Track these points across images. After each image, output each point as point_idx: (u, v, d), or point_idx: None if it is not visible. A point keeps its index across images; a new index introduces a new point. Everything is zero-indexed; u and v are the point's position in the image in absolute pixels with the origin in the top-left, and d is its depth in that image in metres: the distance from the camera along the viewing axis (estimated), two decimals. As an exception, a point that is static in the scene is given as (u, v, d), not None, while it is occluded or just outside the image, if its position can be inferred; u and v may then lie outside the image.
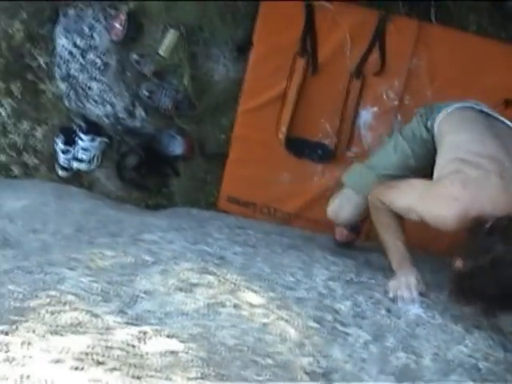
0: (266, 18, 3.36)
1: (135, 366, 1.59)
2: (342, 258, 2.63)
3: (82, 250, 2.58)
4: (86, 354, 1.60)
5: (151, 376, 1.56)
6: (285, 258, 2.52)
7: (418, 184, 2.39)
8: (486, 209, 2.13)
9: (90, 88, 3.57)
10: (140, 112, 3.59)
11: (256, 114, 3.47)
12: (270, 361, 1.79)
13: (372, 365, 1.99)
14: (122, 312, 1.98)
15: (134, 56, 3.50)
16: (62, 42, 3.57)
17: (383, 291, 2.37)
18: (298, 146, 3.47)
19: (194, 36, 3.44)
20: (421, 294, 2.35)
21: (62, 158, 3.74)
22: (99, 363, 1.58)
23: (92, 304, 2.01)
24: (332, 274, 2.44)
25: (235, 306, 2.04)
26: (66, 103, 3.66)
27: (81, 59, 3.53)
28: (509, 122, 2.53)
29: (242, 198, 3.56)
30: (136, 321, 1.91)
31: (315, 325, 2.08)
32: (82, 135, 3.66)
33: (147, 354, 1.65)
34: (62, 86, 3.63)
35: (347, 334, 2.08)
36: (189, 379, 1.58)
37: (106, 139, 3.70)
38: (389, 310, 2.25)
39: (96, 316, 1.88)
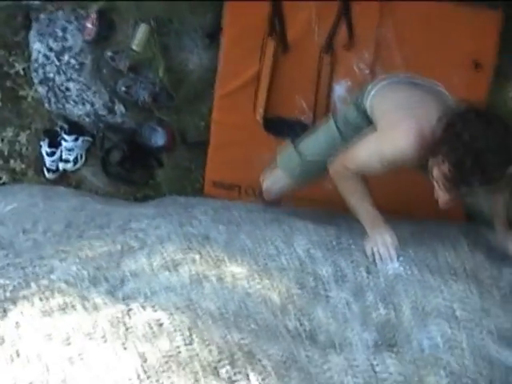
0: (233, 3, 3.41)
1: (121, 336, 1.67)
2: (323, 226, 2.68)
3: (71, 243, 2.65)
4: (74, 329, 1.67)
5: (137, 344, 1.63)
6: (267, 231, 2.57)
7: (370, 136, 2.48)
8: (433, 121, 2.25)
9: (68, 89, 3.63)
10: (119, 108, 3.65)
11: (232, 97, 3.52)
12: (253, 325, 1.87)
13: (355, 322, 2.07)
14: (110, 293, 2.06)
15: (108, 53, 3.56)
16: (37, 47, 3.62)
17: (363, 253, 2.43)
18: (276, 126, 3.52)
19: (164, 28, 3.50)
20: (398, 252, 2.41)
21: (48, 160, 3.81)
22: (87, 337, 1.65)
23: (81, 289, 2.09)
24: (313, 241, 2.49)
25: (218, 279, 2.11)
26: (47, 106, 3.71)
27: (56, 61, 3.59)
28: (440, 88, 2.64)
29: (227, 181, 3.62)
30: (124, 300, 1.98)
31: (298, 290, 2.15)
32: (65, 136, 3.72)
33: (133, 325, 1.73)
34: (41, 89, 3.69)
35: (329, 296, 2.15)
36: (172, 344, 1.66)
37: (89, 138, 3.76)
38: (368, 271, 2.32)
39: (84, 298, 1.95)
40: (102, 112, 3.59)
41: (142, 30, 3.43)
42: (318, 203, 3.32)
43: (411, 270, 2.32)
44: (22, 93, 3.74)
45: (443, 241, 2.61)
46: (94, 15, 3.42)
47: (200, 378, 1.54)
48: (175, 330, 1.72)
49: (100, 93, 3.57)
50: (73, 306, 1.83)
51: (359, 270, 2.30)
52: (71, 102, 3.60)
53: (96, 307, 1.84)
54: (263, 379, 1.58)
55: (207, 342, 1.67)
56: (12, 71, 3.72)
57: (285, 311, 1.98)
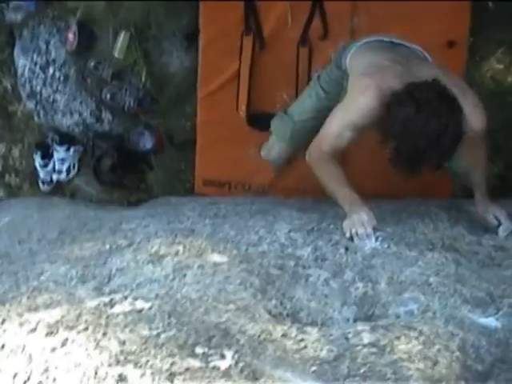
0: (208, 3, 3.49)
1: (102, 325, 1.75)
2: (307, 213, 2.75)
3: (64, 247, 2.73)
4: (58, 322, 1.75)
5: (117, 331, 1.71)
6: (250, 221, 2.64)
7: (335, 110, 2.58)
8: (393, 85, 2.35)
9: (55, 101, 3.72)
10: (107, 115, 3.73)
11: (215, 96, 3.60)
12: (231, 306, 1.94)
13: (334, 299, 2.13)
14: (97, 289, 2.13)
15: (92, 63, 3.65)
16: (22, 62, 3.72)
17: (341, 233, 2.49)
18: (260, 121, 3.58)
19: (143, 34, 3.58)
20: (375, 229, 2.48)
21: (42, 172, 3.89)
22: (70, 328, 1.73)
23: (69, 287, 2.16)
24: (294, 226, 2.56)
25: (200, 267, 2.18)
26: (37, 119, 3.81)
27: (42, 75, 3.68)
28: (415, 46, 2.75)
29: (216, 179, 3.69)
30: (109, 294, 2.05)
31: (277, 271, 2.21)
32: (57, 147, 3.81)
33: (114, 314, 1.80)
34: (30, 103, 3.78)
35: (308, 275, 2.21)
36: (151, 329, 1.73)
37: (79, 147, 3.85)
38: (347, 248, 2.38)
39: (71, 294, 2.03)
40: (90, 121, 3.68)
41: (122, 38, 3.52)
42: (306, 193, 3.37)
43: (389, 245, 2.38)
44: (11, 108, 3.84)
45: (423, 217, 2.67)
46: (74, 27, 3.50)
47: (176, 358, 1.60)
48: (155, 316, 1.78)
49: (86, 102, 3.66)
50: (58, 302, 1.91)
51: (338, 248, 2.36)
52: (60, 114, 3.69)
53: (81, 301, 1.91)
54: (238, 356, 1.64)
55: (185, 325, 1.74)
56: (0, 88, 3.78)
57: (265, 292, 2.04)
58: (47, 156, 3.82)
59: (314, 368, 1.64)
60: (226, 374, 1.57)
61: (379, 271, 2.20)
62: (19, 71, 3.74)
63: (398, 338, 1.76)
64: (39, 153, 3.82)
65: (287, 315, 2.05)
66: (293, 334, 1.80)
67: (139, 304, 1.86)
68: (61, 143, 3.77)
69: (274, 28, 3.50)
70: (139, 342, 1.66)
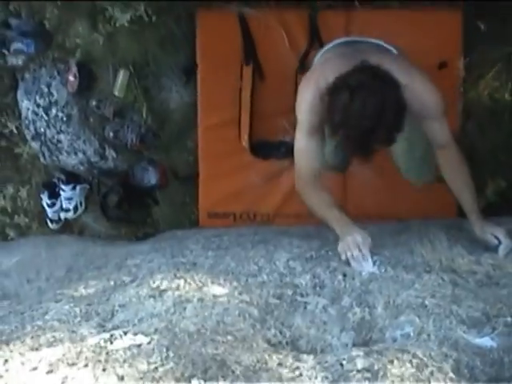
0: (204, 37, 3.58)
1: (102, 361, 1.79)
2: (308, 241, 2.77)
3: (70, 285, 2.77)
4: (59, 359, 1.79)
5: (116, 367, 1.75)
6: (251, 252, 2.67)
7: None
8: (329, 78, 2.40)
9: (59, 141, 3.80)
10: (110, 152, 3.80)
11: (216, 128, 3.66)
12: (229, 337, 1.97)
13: (333, 325, 2.16)
14: (99, 326, 2.17)
15: (93, 102, 3.73)
16: (25, 105, 3.81)
17: (340, 259, 2.51)
18: (263, 149, 3.65)
19: (142, 71, 3.66)
20: (373, 252, 2.49)
21: (50, 212, 3.96)
22: (71, 365, 1.77)
23: (72, 325, 2.20)
24: (293, 255, 2.59)
25: (199, 300, 2.21)
26: (42, 160, 3.89)
27: (45, 116, 3.77)
28: (378, 42, 2.86)
29: (221, 210, 3.74)
30: (110, 330, 2.09)
31: (276, 301, 2.25)
32: (63, 186, 3.88)
33: (113, 350, 1.84)
34: (35, 145, 3.86)
35: (306, 302, 2.25)
36: (150, 363, 1.77)
37: (85, 185, 3.92)
38: (344, 274, 2.40)
39: (73, 332, 2.07)
40: (94, 159, 3.74)
41: (121, 76, 3.59)
42: (311, 218, 3.40)
43: (386, 269, 2.40)
44: (17, 150, 3.92)
45: (422, 238, 2.69)
46: (74, 68, 3.58)
47: (173, 390, 1.64)
48: (153, 350, 1.82)
49: (90, 141, 3.73)
50: (60, 340, 1.94)
51: (336, 275, 2.38)
52: (64, 153, 3.76)
53: (82, 338, 1.95)
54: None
55: (182, 358, 1.77)
56: (6, 131, 3.90)
57: (264, 322, 2.07)
58: (54, 195, 3.88)
59: (309, 395, 1.67)
60: (222, 404, 1.60)
61: (376, 296, 2.22)
62: (23, 113, 3.83)
63: (391, 361, 1.77)
64: (46, 192, 3.89)
65: (287, 343, 2.08)
66: (288, 363, 1.83)
67: (139, 339, 1.90)
68: (67, 182, 3.84)
69: (273, 57, 3.60)
70: (137, 377, 1.69)
